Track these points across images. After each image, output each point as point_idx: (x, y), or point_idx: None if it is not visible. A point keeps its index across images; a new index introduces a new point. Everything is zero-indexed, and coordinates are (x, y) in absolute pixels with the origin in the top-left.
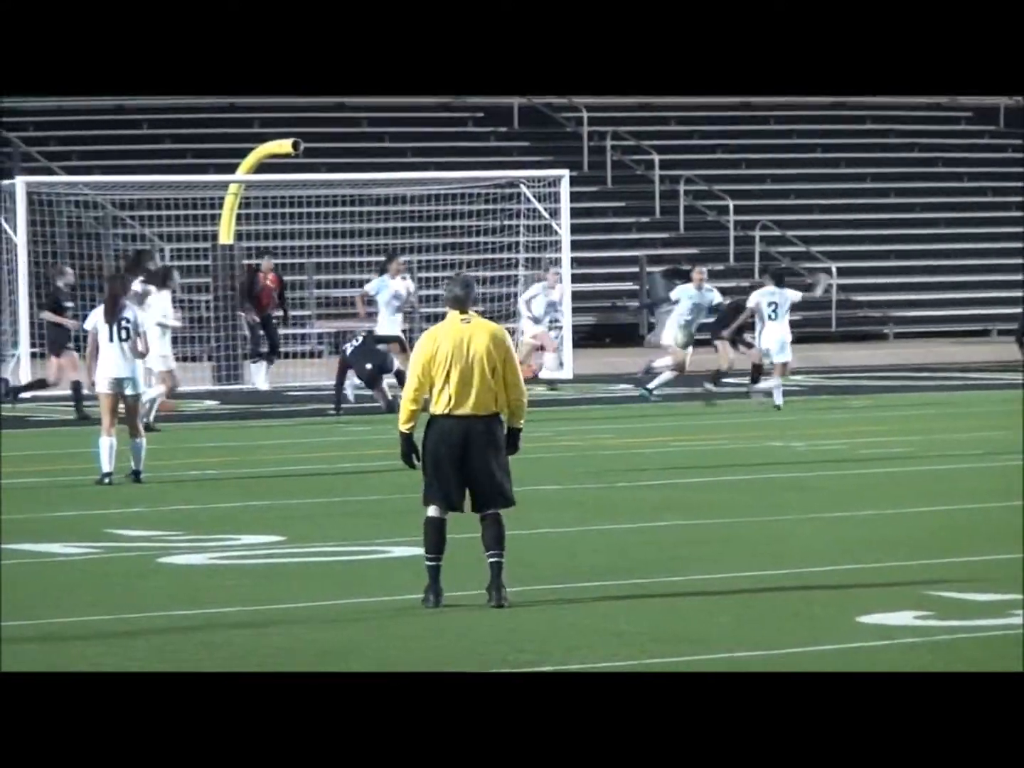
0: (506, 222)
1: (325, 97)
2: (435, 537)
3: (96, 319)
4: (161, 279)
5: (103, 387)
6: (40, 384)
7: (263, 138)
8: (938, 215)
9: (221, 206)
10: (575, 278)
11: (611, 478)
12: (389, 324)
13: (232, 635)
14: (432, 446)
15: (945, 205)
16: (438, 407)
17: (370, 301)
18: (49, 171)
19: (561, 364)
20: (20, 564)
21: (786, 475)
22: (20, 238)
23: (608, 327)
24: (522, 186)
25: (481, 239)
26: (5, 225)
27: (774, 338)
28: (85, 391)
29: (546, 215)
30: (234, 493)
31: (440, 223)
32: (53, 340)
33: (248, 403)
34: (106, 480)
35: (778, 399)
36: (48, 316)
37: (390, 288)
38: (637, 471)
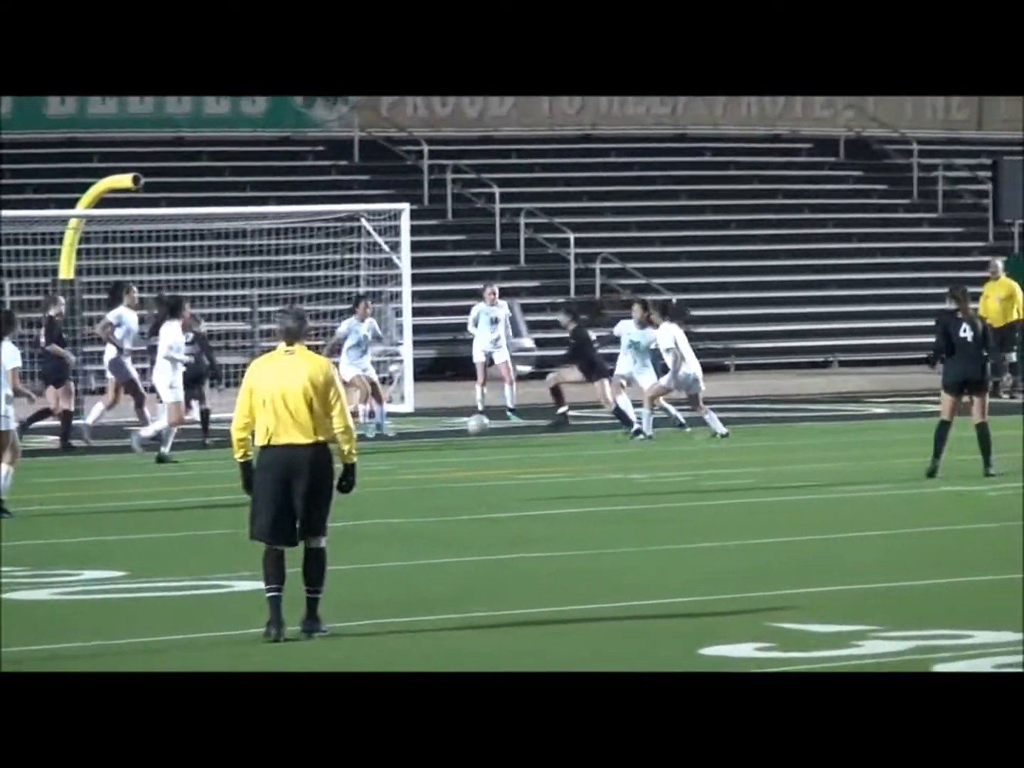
0: (347, 255)
1: (182, 136)
2: (271, 568)
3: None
4: (170, 309)
5: None
6: (44, 414)
7: (103, 172)
8: (779, 247)
9: (61, 241)
10: (416, 311)
11: (453, 511)
12: (354, 365)
13: (74, 669)
14: (256, 476)
15: (786, 237)
16: (260, 438)
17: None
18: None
19: (403, 398)
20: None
21: (628, 507)
22: None
23: (449, 360)
24: (363, 219)
25: (322, 272)
26: None
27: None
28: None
29: (387, 248)
30: (78, 528)
31: (281, 257)
32: (54, 370)
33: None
34: None
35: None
36: (56, 350)
37: (360, 330)
38: (478, 504)
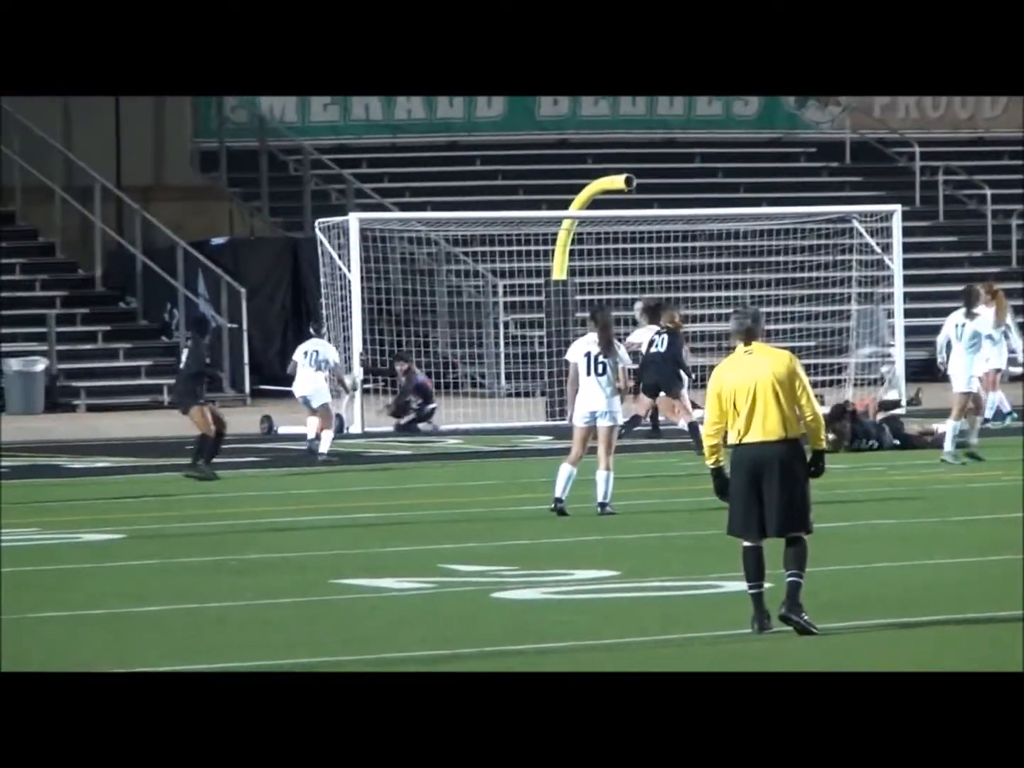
0: (838, 257)
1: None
2: (750, 565)
3: (578, 352)
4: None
5: (580, 420)
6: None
7: (595, 174)
8: None
9: (554, 242)
10: (907, 313)
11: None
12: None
13: (557, 668)
14: (731, 476)
15: None
16: (732, 437)
17: None
18: (382, 207)
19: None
20: (355, 599)
21: None
22: (354, 274)
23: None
24: (854, 221)
25: (813, 274)
26: (339, 261)
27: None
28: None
29: (878, 250)
30: (568, 528)
31: (771, 258)
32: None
33: None
34: (557, 505)
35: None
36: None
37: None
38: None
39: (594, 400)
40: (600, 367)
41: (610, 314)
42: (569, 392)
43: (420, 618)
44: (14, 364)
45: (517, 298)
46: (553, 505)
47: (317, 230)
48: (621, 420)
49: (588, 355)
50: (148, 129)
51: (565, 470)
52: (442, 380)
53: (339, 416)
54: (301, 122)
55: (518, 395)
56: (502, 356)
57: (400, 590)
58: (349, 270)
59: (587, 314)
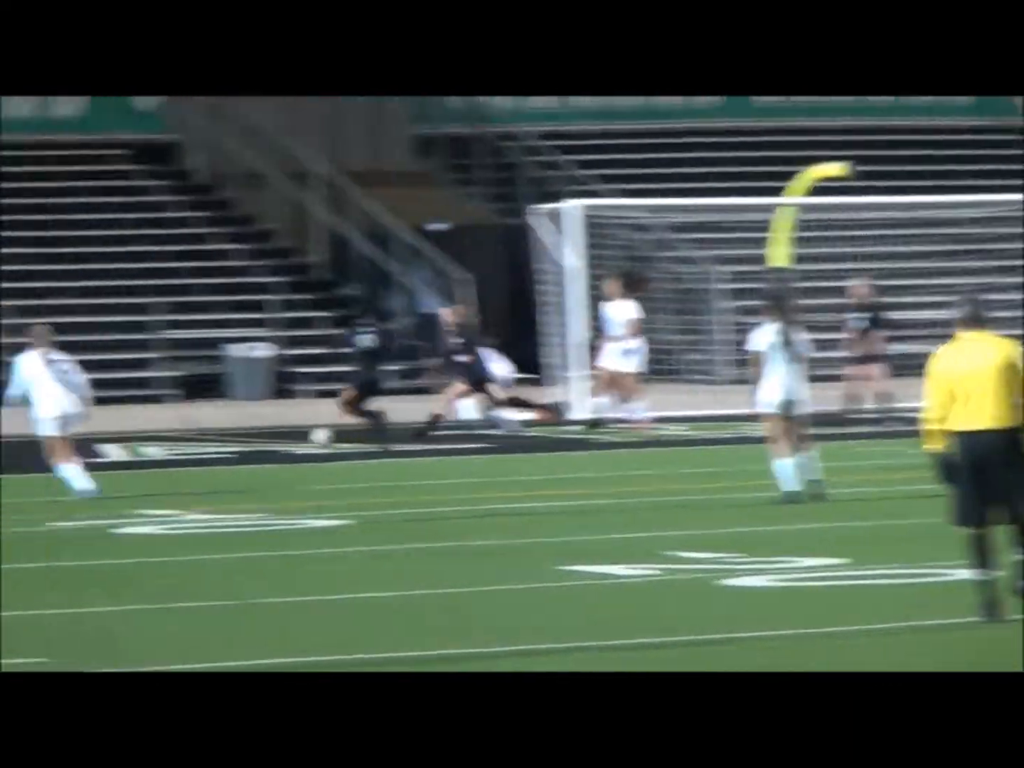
0: None
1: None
2: (976, 552)
3: (762, 340)
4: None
5: (770, 407)
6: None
7: (813, 160)
8: None
9: (772, 229)
10: None
11: None
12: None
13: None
14: (952, 463)
15: None
16: (954, 424)
17: None
18: (598, 194)
19: None
20: (582, 585)
21: None
22: (572, 261)
23: None
24: None
25: None
26: (555, 248)
27: None
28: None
29: None
30: (792, 515)
31: (990, 245)
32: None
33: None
34: (794, 499)
35: None
36: None
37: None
38: None
39: (783, 387)
40: (787, 354)
41: (790, 301)
42: (755, 380)
43: (646, 605)
44: (236, 350)
45: (736, 285)
46: (785, 498)
47: (533, 216)
48: (808, 407)
49: (773, 343)
50: (365, 115)
51: (785, 464)
52: (661, 367)
53: (560, 403)
54: (517, 108)
55: (738, 382)
56: (721, 343)
57: (626, 577)
58: (566, 257)
59: (790, 301)
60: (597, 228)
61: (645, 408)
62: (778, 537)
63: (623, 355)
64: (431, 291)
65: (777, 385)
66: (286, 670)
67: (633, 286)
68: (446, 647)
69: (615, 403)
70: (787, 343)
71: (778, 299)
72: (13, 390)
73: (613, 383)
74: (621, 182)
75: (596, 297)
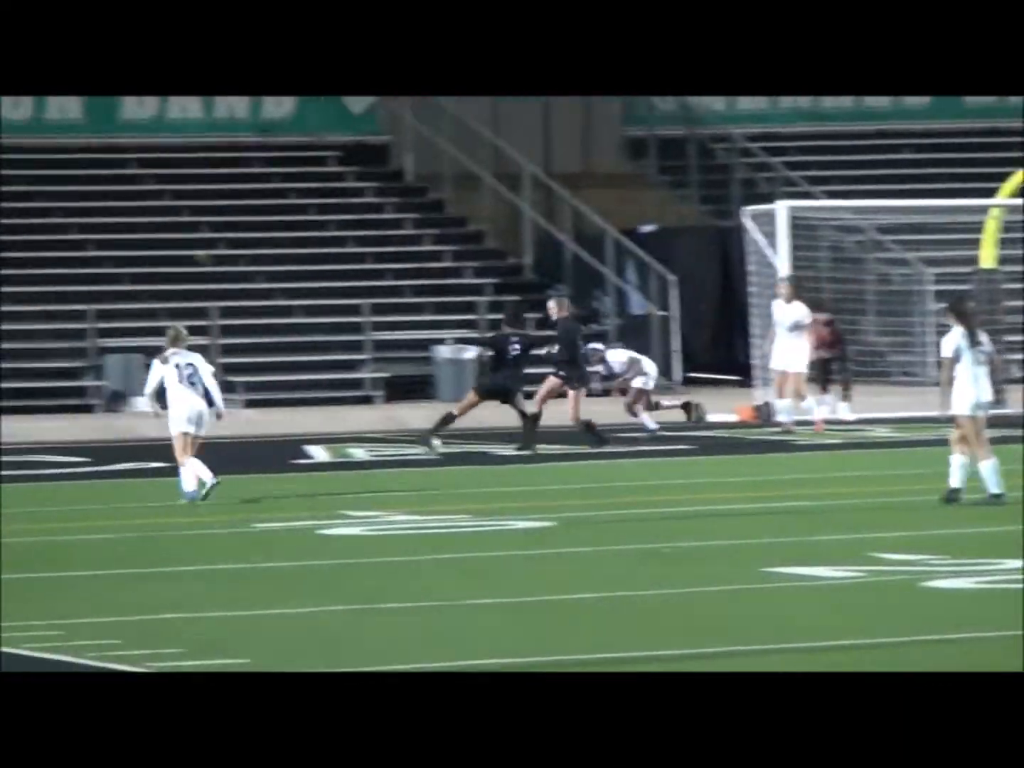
0: None
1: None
2: None
3: (949, 346)
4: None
5: (964, 409)
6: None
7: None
8: None
9: (982, 230)
10: None
11: None
12: None
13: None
14: None
15: None
16: None
17: None
18: (810, 195)
19: None
20: (786, 587)
21: None
22: (782, 262)
23: None
24: None
25: None
26: (767, 249)
27: None
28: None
29: None
30: (993, 517)
31: None
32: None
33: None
34: (955, 497)
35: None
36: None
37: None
38: None
39: (973, 391)
40: (976, 357)
41: (971, 304)
42: (943, 384)
43: (851, 606)
44: (445, 351)
45: (946, 287)
46: (947, 496)
47: (745, 218)
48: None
49: (958, 348)
50: (577, 117)
51: (988, 465)
52: (868, 368)
53: (767, 404)
54: (728, 110)
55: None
56: (931, 345)
57: (831, 578)
58: (777, 258)
59: (1018, 304)
60: (806, 230)
61: (815, 408)
62: (982, 539)
63: (789, 356)
64: (640, 293)
65: (969, 388)
66: (489, 671)
67: (804, 291)
68: (648, 648)
69: (803, 404)
70: (974, 345)
71: (961, 303)
72: (147, 389)
73: (784, 384)
74: (830, 183)
75: (801, 299)
